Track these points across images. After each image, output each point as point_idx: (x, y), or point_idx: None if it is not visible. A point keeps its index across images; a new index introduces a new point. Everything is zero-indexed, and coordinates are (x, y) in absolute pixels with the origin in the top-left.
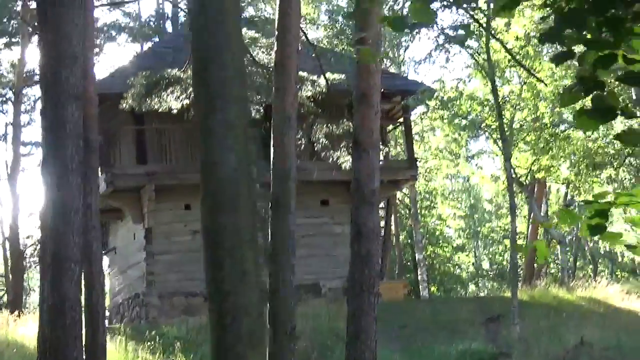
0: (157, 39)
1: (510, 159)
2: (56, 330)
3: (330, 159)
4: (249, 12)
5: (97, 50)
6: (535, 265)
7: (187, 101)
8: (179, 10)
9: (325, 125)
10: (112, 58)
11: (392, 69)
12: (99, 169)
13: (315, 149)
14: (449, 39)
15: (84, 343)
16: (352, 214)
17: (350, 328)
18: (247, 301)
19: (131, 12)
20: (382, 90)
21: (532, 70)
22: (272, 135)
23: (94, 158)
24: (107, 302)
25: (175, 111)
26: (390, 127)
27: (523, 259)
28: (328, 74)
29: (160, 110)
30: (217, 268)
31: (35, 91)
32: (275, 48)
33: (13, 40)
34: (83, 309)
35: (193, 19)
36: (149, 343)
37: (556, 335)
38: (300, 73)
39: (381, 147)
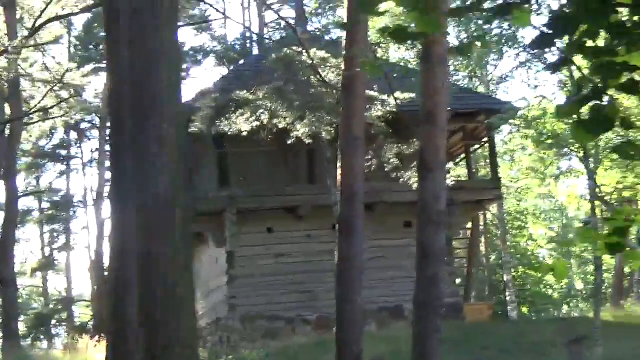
0: (242, 62)
1: (593, 177)
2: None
3: (401, 180)
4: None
5: (183, 74)
6: (624, 284)
7: (256, 123)
8: (265, 32)
9: (396, 146)
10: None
11: (480, 88)
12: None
13: (386, 169)
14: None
15: None
16: (417, 235)
17: (415, 351)
18: (180, 331)
19: (218, 35)
20: (467, 109)
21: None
22: (339, 156)
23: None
24: None
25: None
26: (476, 146)
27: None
28: (398, 93)
29: (229, 132)
30: (149, 296)
31: None
32: (343, 68)
33: (99, 66)
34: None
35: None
36: None
37: None
38: (370, 93)
39: (454, 167)
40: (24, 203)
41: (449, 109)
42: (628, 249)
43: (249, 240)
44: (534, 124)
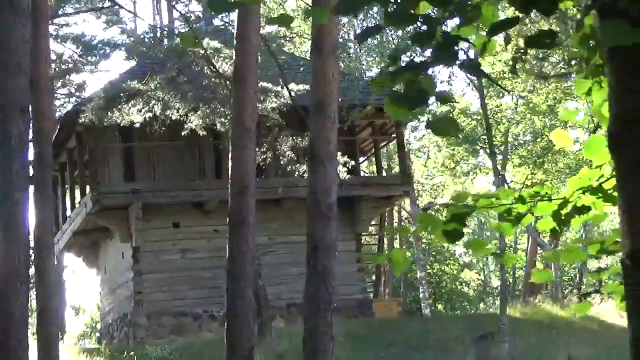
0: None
1: (500, 174)
2: (2, 354)
3: (296, 173)
4: (215, 22)
5: (92, 67)
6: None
7: (149, 114)
8: (175, 26)
9: (291, 138)
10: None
11: None
12: (87, 187)
13: (281, 163)
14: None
15: None
16: (307, 229)
17: (306, 348)
18: None
19: (128, 29)
20: (375, 105)
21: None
22: (230, 148)
23: (47, 173)
24: (89, 322)
25: (148, 127)
26: (385, 142)
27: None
28: (292, 85)
29: (121, 124)
30: None
31: None
32: (234, 58)
33: None
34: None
35: None
36: None
37: (546, 353)
38: (263, 84)
39: (343, 160)
40: None
41: (356, 103)
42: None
43: (155, 235)
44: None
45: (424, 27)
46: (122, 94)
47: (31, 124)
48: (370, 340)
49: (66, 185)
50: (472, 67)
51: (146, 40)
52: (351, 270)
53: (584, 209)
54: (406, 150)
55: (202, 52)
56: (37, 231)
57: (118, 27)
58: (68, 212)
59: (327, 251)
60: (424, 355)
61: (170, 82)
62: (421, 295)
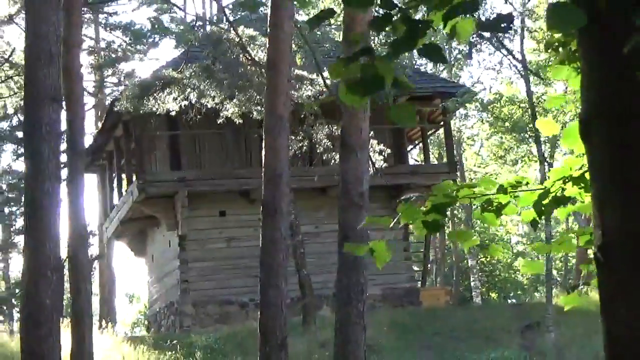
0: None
1: (544, 162)
2: (30, 342)
3: (332, 162)
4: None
5: (140, 56)
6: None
7: (185, 102)
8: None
9: (327, 127)
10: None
11: (444, 73)
12: (134, 175)
13: (318, 151)
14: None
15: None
16: (339, 218)
17: (337, 338)
18: None
19: (177, 17)
20: (422, 93)
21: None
22: (264, 136)
23: (80, 161)
24: (142, 311)
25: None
26: (434, 130)
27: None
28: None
29: (157, 112)
30: None
31: None
32: (267, 45)
33: None
34: (69, 318)
35: None
36: (170, 353)
37: (591, 342)
38: (298, 72)
39: (377, 147)
40: None
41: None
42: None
43: (202, 224)
44: (490, 107)
45: (382, 11)
46: (157, 82)
47: (64, 113)
48: (415, 330)
49: (114, 174)
50: (432, 52)
51: (195, 28)
52: (398, 259)
53: (564, 200)
54: (457, 138)
55: (237, 39)
56: (69, 219)
57: (168, 16)
58: (116, 201)
59: (358, 240)
60: (468, 345)
61: (205, 70)
62: (472, 284)
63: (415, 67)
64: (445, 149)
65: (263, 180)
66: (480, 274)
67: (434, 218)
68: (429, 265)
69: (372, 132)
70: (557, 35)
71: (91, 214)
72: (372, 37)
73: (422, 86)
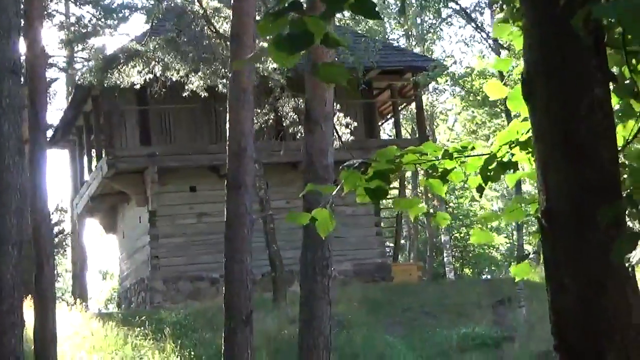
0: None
1: None
2: None
3: (298, 135)
4: None
5: (110, 30)
6: None
7: (150, 76)
8: None
9: (292, 100)
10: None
11: (417, 48)
12: (103, 151)
13: (284, 125)
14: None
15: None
16: (305, 192)
17: (302, 313)
18: None
19: None
20: (393, 66)
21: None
22: (228, 110)
23: (42, 136)
24: (116, 287)
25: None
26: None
27: None
28: None
29: (122, 85)
30: None
31: (50, 73)
32: (231, 18)
33: None
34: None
35: None
36: (139, 329)
37: None
38: (264, 44)
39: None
40: None
41: (374, 65)
42: (401, 197)
43: (172, 199)
44: (461, 81)
45: None
46: (121, 55)
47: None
48: (385, 305)
49: (84, 150)
50: (363, 9)
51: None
52: (370, 234)
53: (511, 165)
54: (430, 113)
55: (201, 12)
56: (30, 194)
57: None
58: (86, 177)
59: None
60: (439, 320)
61: (169, 43)
62: (445, 259)
63: (388, 41)
64: (416, 123)
65: (227, 154)
66: (453, 249)
67: (377, 185)
68: (402, 241)
69: (338, 105)
70: None
71: (63, 189)
72: None
73: (393, 60)
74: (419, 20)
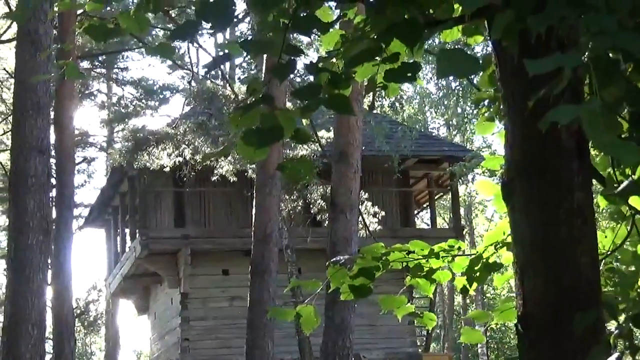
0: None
1: None
2: None
3: (326, 223)
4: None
5: (151, 111)
6: None
7: (179, 159)
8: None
9: (321, 187)
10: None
11: (457, 138)
12: (137, 231)
13: (312, 212)
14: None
15: None
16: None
17: None
18: None
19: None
20: (430, 156)
21: None
22: (254, 195)
23: (69, 214)
24: None
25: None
26: (441, 194)
27: None
28: (323, 132)
29: (151, 168)
30: None
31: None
32: None
33: None
34: None
35: None
36: None
37: None
38: None
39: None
40: None
41: (409, 154)
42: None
43: (204, 282)
44: (498, 173)
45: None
46: (151, 138)
47: (54, 165)
48: None
49: (118, 229)
50: (338, 103)
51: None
52: (401, 323)
53: (496, 266)
54: (467, 203)
55: (232, 96)
56: (54, 274)
57: (183, 72)
58: (120, 257)
59: (345, 304)
60: None
61: (200, 126)
62: (479, 350)
63: (428, 130)
64: (451, 213)
65: (252, 240)
66: (489, 340)
67: (361, 283)
68: (437, 330)
69: (366, 194)
70: (486, 93)
71: (100, 269)
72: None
73: (430, 149)
74: (459, 110)
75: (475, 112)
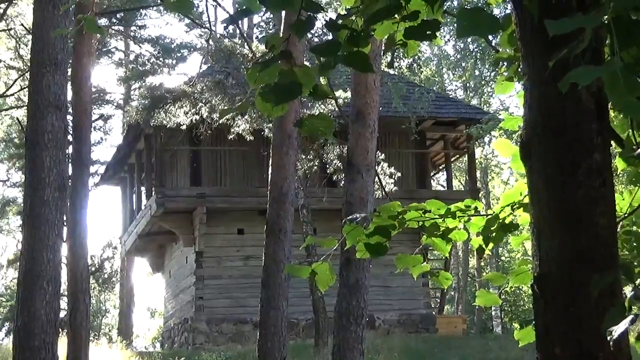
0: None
1: None
2: (24, 352)
3: (342, 183)
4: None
5: (168, 70)
6: None
7: (196, 117)
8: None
9: (338, 146)
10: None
11: (474, 100)
12: (153, 189)
13: (328, 172)
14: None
15: None
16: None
17: None
18: None
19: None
20: (446, 117)
21: None
22: (271, 154)
23: (85, 171)
24: (161, 327)
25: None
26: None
27: None
28: (340, 92)
29: (167, 125)
30: None
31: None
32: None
33: None
34: (66, 331)
35: None
36: None
37: None
38: None
39: (388, 170)
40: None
41: (426, 116)
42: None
43: (219, 241)
44: (515, 136)
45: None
46: (167, 95)
47: (70, 122)
48: (427, 357)
49: (134, 187)
50: (357, 62)
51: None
52: (416, 284)
53: (513, 226)
54: (484, 166)
55: (250, 55)
56: (70, 230)
57: (201, 31)
58: (136, 215)
59: (360, 265)
60: None
61: (217, 85)
62: (493, 313)
63: (445, 92)
64: (468, 174)
65: (268, 199)
66: (503, 303)
67: (377, 241)
68: (451, 292)
69: (383, 155)
70: (506, 53)
71: (115, 227)
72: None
73: (447, 111)
74: (477, 72)
75: (492, 74)
